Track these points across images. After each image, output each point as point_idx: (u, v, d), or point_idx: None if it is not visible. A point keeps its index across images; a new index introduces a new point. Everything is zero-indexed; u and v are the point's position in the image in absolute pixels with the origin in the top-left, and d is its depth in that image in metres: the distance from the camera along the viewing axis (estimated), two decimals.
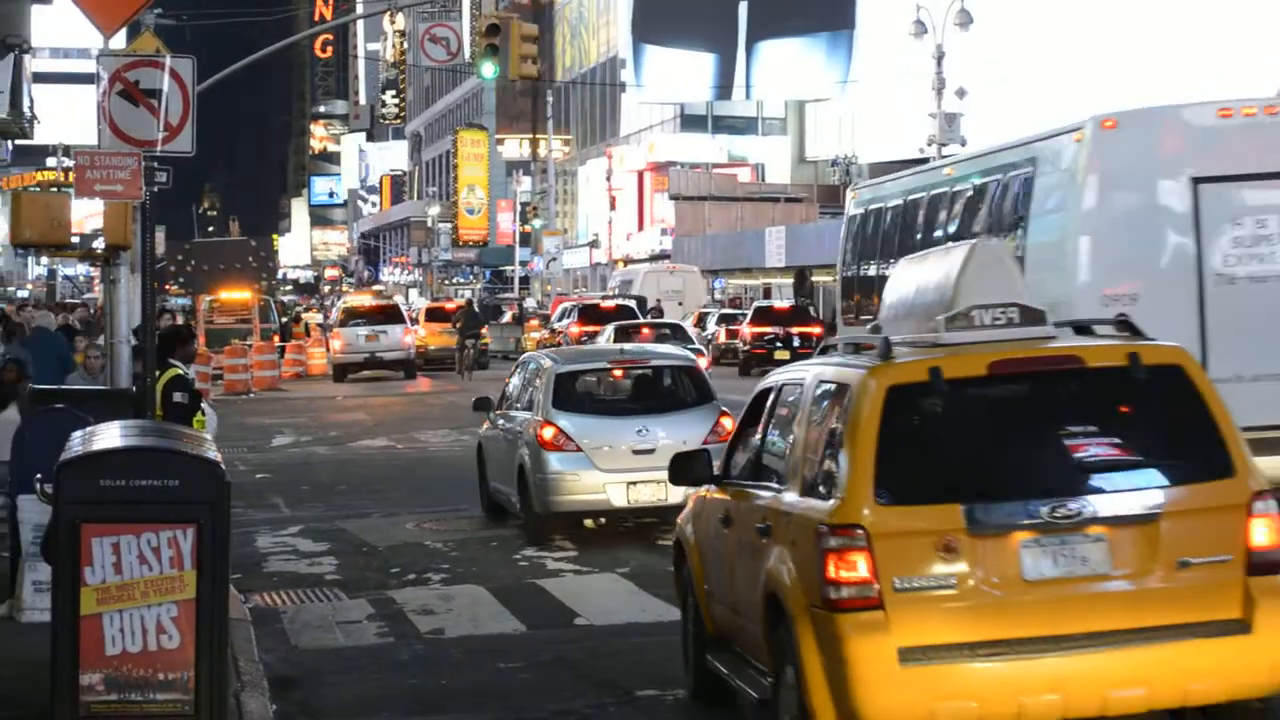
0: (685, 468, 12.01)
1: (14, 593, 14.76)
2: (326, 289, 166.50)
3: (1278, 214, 17.41)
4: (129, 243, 18.00)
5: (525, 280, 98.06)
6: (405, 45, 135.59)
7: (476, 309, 63.06)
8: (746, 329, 52.39)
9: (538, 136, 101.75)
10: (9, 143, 32.54)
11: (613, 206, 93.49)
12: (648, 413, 20.80)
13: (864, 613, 9.01)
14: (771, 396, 11.17)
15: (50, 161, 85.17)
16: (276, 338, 61.72)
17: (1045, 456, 9.45)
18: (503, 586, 17.26)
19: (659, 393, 21.55)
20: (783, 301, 57.25)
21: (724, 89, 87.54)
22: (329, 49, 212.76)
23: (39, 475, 13.92)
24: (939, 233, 22.40)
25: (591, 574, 18.01)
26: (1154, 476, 9.34)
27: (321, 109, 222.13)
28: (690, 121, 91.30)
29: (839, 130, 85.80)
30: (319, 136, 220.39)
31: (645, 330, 42.07)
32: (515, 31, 46.68)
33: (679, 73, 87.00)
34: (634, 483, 19.87)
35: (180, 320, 39.38)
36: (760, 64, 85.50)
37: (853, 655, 8.97)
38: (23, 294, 73.61)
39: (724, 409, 20.51)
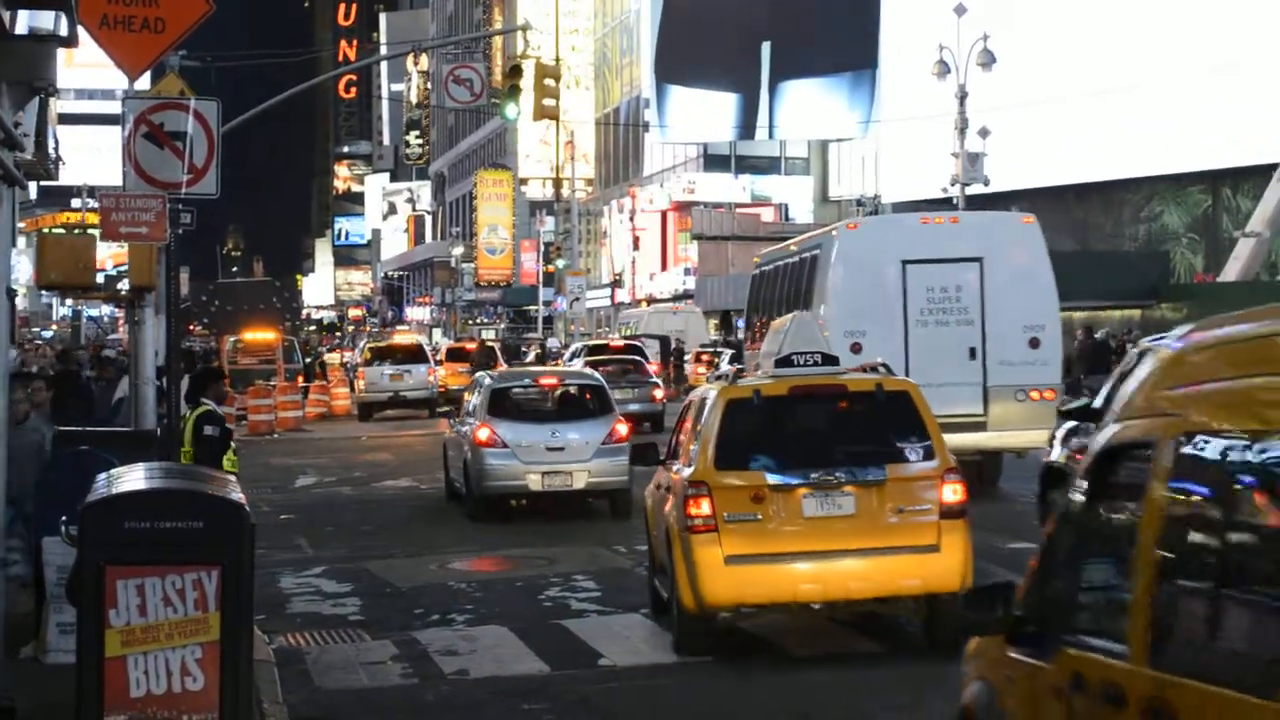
0: (640, 454, 18.55)
1: (38, 634, 14.77)
2: (350, 329, 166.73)
3: (953, 283, 26.28)
4: (154, 284, 18.08)
5: (549, 320, 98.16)
6: (429, 86, 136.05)
7: (497, 349, 63.20)
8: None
9: (560, 177, 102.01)
10: (34, 184, 32.64)
11: (636, 246, 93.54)
12: (560, 420, 27.08)
13: (706, 534, 14.70)
14: (690, 405, 17.16)
15: (75, 202, 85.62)
16: (301, 378, 61.82)
17: (820, 444, 15.24)
18: (526, 627, 17.23)
19: (570, 404, 27.79)
20: None
21: (747, 129, 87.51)
22: (353, 90, 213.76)
23: (64, 517, 13.96)
24: (784, 291, 30.32)
25: (615, 614, 17.97)
26: (886, 458, 14.87)
27: (345, 149, 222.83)
28: (713, 161, 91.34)
29: (862, 170, 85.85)
30: (343, 177, 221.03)
31: (611, 367, 44.38)
32: (538, 74, 46.79)
33: (702, 113, 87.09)
34: (547, 472, 25.96)
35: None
36: (783, 104, 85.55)
37: (699, 559, 14.69)
38: (46, 335, 73.76)
39: (619, 417, 27.16)
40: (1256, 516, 5.76)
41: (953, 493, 14.70)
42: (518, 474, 26.00)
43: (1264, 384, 5.83)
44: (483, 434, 26.20)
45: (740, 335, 37.84)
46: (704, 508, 14.72)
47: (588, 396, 27.63)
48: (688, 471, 15.25)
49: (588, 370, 32.76)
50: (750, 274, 37.08)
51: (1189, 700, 5.73)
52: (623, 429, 26.59)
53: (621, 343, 55.97)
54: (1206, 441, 6.17)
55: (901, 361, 24.35)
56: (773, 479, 14.69)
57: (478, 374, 31.85)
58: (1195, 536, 6.22)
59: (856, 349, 24.63)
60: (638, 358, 47.95)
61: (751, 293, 35.34)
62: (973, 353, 26.10)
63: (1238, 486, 5.92)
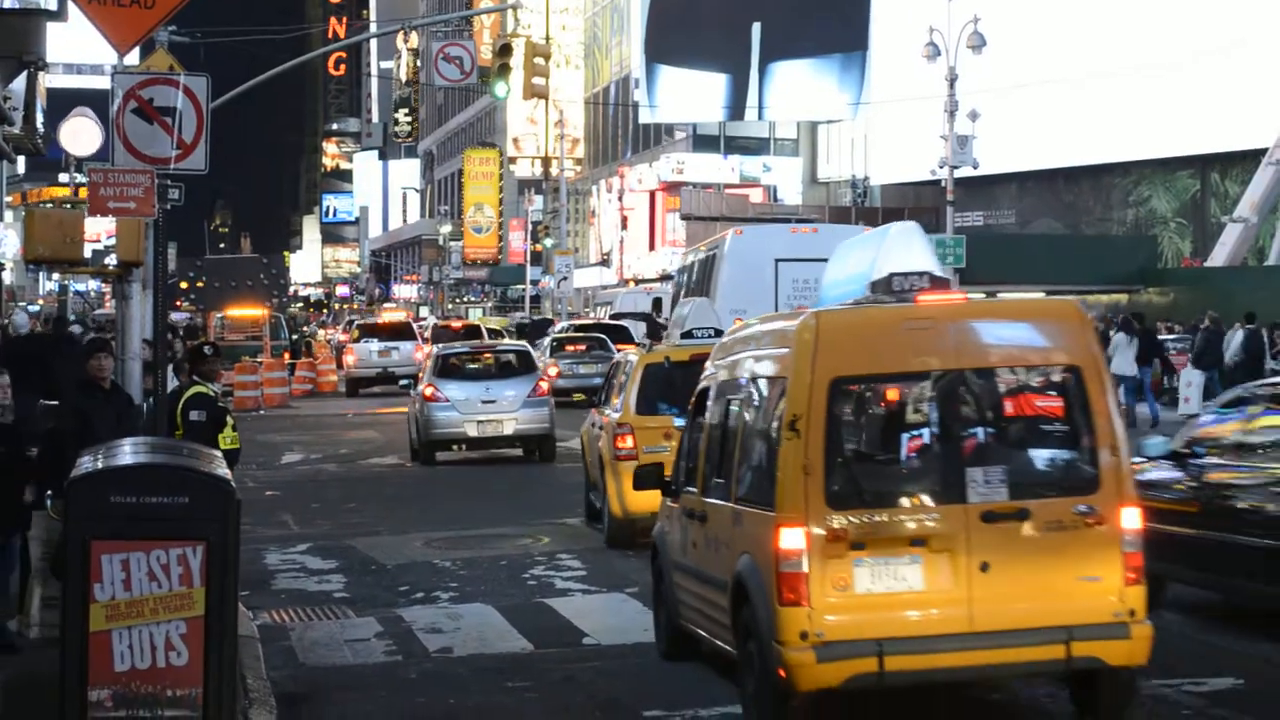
0: (591, 400, 26.43)
1: (22, 608, 14.77)
2: (337, 306, 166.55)
3: (812, 276, 31.14)
4: (141, 259, 18.05)
5: (536, 299, 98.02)
6: (419, 64, 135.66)
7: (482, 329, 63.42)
8: None
9: (549, 156, 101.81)
10: (22, 158, 32.59)
11: (624, 226, 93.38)
12: (493, 378, 32.99)
13: (629, 461, 19.38)
14: (617, 365, 22.97)
15: (63, 177, 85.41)
16: (287, 354, 61.86)
17: None
18: (511, 605, 17.26)
19: (501, 367, 33.83)
20: None
21: (736, 109, 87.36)
22: (342, 67, 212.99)
23: (49, 491, 13.97)
24: (696, 279, 37.73)
25: (600, 593, 18.01)
26: None
27: (334, 126, 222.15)
28: (703, 142, 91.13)
29: (851, 152, 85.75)
30: (331, 154, 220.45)
31: (581, 344, 48.76)
32: (528, 52, 46.72)
33: (692, 93, 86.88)
34: (481, 421, 31.67)
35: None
36: (773, 85, 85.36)
37: (624, 481, 18.92)
38: (33, 309, 73.59)
39: (541, 376, 33.07)
40: (732, 427, 12.65)
41: None
42: (457, 423, 31.72)
43: (741, 356, 12.91)
44: (429, 391, 31.96)
45: (666, 318, 42.78)
46: (628, 442, 20.43)
47: (516, 360, 33.88)
48: (615, 416, 21.08)
49: (515, 343, 40.74)
50: (677, 265, 45.96)
51: (710, 511, 12.74)
52: (544, 385, 32.76)
53: (609, 322, 56.43)
54: (724, 389, 13.14)
55: None
56: (678, 422, 18.94)
57: (437, 346, 38.34)
58: (717, 434, 13.03)
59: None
60: (603, 336, 48.95)
61: (676, 280, 43.55)
62: None
63: (730, 410, 12.84)
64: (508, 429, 31.83)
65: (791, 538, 11.00)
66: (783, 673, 11.07)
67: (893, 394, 11.65)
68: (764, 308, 30.74)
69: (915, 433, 11.58)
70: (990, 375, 11.60)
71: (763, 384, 12.21)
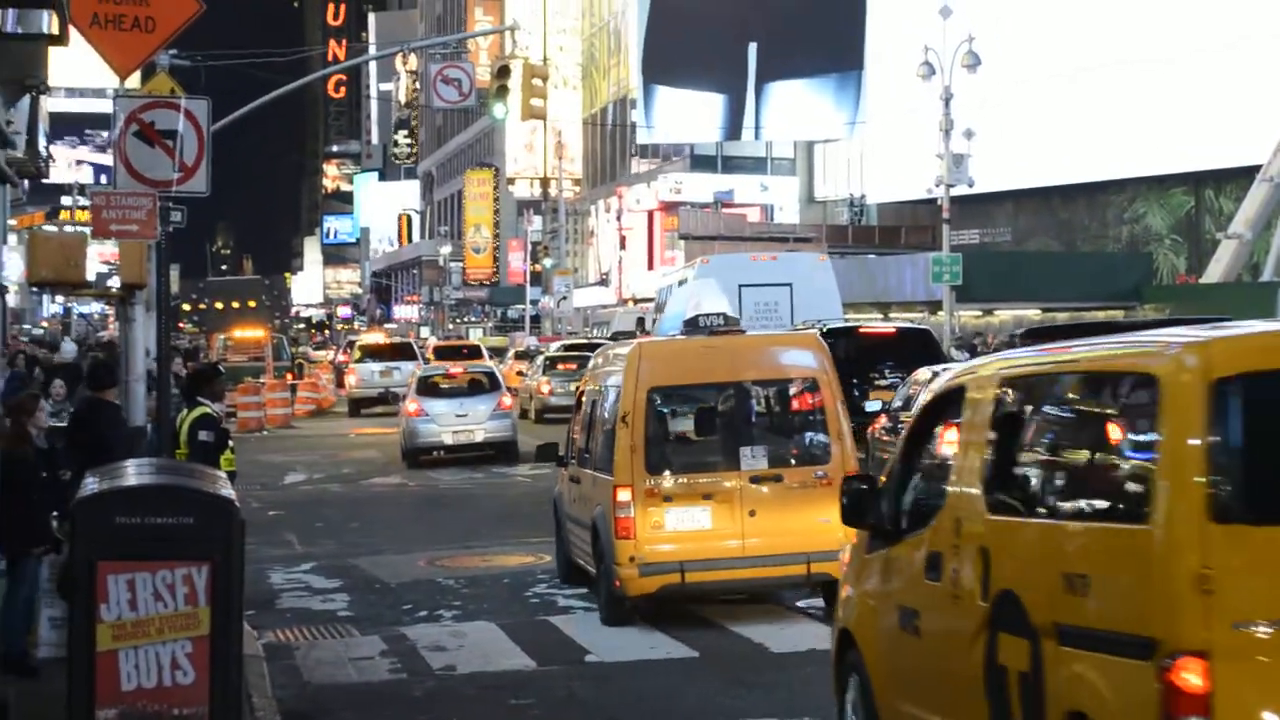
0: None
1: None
2: (340, 326, 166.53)
3: (773, 299, 36.19)
4: (144, 281, 18.17)
5: (536, 319, 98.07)
6: (417, 86, 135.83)
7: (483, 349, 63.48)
8: None
9: (548, 176, 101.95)
10: (25, 182, 32.66)
11: (623, 246, 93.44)
12: (465, 395, 37.90)
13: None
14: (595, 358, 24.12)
15: (65, 200, 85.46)
16: (290, 375, 61.97)
17: None
18: (514, 623, 17.33)
19: (472, 384, 38.56)
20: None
21: (733, 129, 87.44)
22: (342, 89, 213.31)
23: (55, 512, 14.06)
24: (669, 300, 41.60)
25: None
26: None
27: (335, 148, 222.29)
28: (700, 161, 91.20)
29: (848, 171, 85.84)
30: (332, 176, 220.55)
31: (572, 363, 50.42)
32: (526, 74, 46.85)
33: (689, 113, 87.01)
34: (456, 431, 36.88)
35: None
36: (769, 105, 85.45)
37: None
38: (37, 332, 73.60)
39: (505, 390, 38.66)
40: (594, 419, 18.19)
41: None
42: (436, 434, 36.97)
43: (600, 371, 18.74)
44: (412, 407, 37.52)
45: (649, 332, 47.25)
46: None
47: (484, 379, 39.00)
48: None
49: (486, 364, 46.28)
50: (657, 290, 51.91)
51: (582, 476, 18.22)
52: (508, 400, 38.36)
53: (599, 340, 57.02)
54: (591, 393, 18.59)
55: None
56: None
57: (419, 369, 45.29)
58: (586, 424, 18.51)
59: None
60: (588, 355, 50.08)
61: (656, 302, 48.74)
62: None
63: (594, 407, 18.25)
64: (478, 437, 37.18)
65: (623, 494, 16.40)
66: (617, 583, 16.41)
67: (692, 398, 17.22)
68: None
69: (706, 423, 17.24)
70: (758, 384, 17.23)
71: (609, 391, 17.58)
